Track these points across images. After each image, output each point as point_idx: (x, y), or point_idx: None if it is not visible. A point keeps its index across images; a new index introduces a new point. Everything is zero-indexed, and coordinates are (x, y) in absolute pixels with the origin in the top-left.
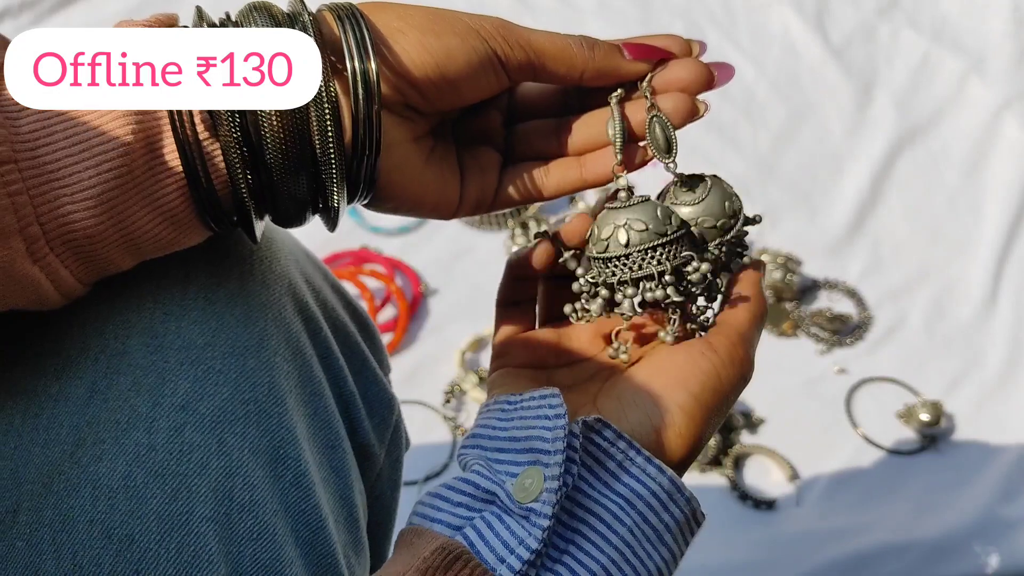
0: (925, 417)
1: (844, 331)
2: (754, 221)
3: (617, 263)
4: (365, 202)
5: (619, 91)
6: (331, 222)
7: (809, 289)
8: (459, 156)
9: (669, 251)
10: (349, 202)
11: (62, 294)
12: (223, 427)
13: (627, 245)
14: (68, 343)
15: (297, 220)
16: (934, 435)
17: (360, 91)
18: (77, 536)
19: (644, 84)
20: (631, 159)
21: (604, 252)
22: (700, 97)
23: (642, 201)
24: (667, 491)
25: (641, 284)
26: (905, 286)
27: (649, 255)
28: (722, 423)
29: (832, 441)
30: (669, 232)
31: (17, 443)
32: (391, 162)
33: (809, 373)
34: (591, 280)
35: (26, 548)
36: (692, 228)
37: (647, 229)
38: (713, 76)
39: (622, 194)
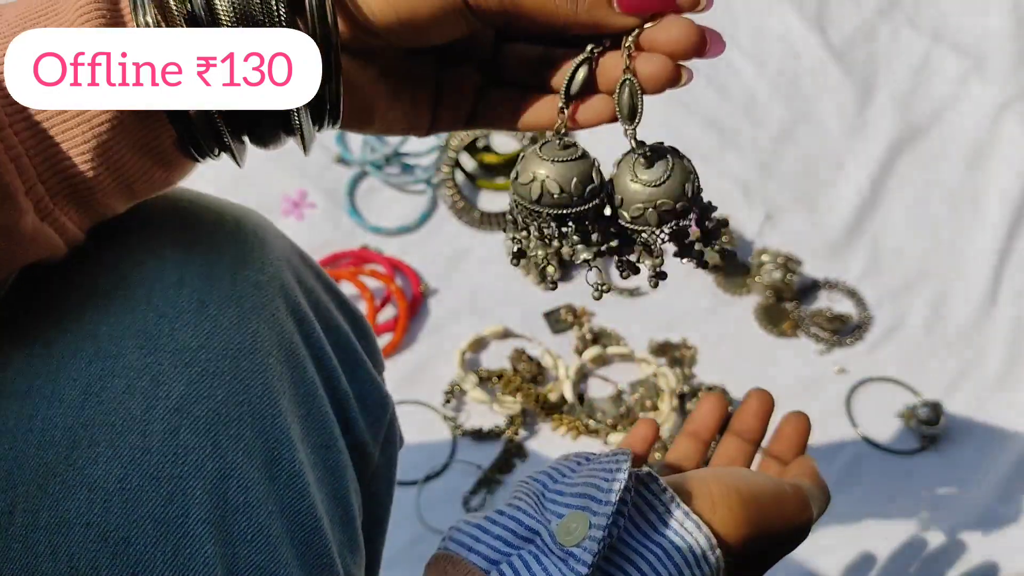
0: (925, 417)
1: (844, 331)
2: (711, 208)
3: (529, 211)
4: (336, 127)
5: (606, 42)
6: (302, 146)
7: (809, 289)
8: (439, 71)
9: (567, 225)
10: (319, 127)
11: (67, 243)
12: (218, 429)
13: (538, 201)
14: (61, 346)
15: (272, 140)
16: (934, 435)
17: (318, 29)
18: (73, 538)
19: (627, 41)
20: (590, 112)
21: (522, 198)
22: (686, 64)
23: (574, 159)
24: (703, 548)
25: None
26: (905, 286)
27: (550, 220)
28: (769, 564)
29: (832, 441)
30: (580, 205)
31: (11, 444)
32: (360, 100)
33: (809, 373)
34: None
35: (22, 550)
36: (641, 208)
37: (561, 193)
38: (705, 43)
39: (554, 139)
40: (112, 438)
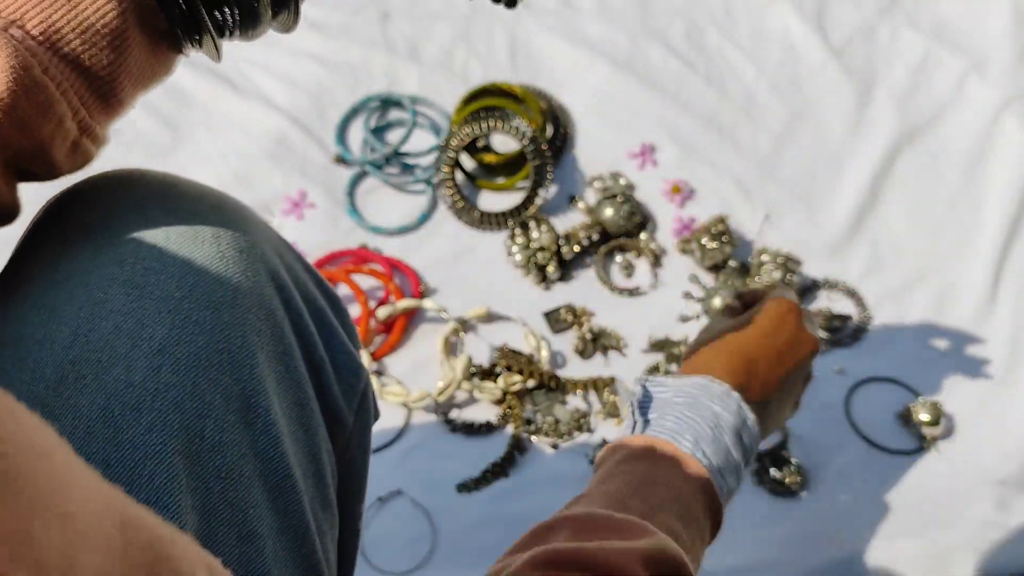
0: (925, 417)
1: (844, 331)
2: None
3: None
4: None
5: None
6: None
7: (809, 289)
8: None
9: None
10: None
11: (97, 149)
12: (197, 372)
13: None
14: (54, 295)
15: (252, 22)
16: (934, 435)
17: None
18: None
19: None
20: None
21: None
22: None
23: None
24: (703, 382)
25: None
26: (905, 286)
27: None
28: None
29: (832, 441)
30: None
31: (6, 385)
32: None
33: None
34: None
35: None
36: None
37: None
38: None
39: None
40: (98, 372)
